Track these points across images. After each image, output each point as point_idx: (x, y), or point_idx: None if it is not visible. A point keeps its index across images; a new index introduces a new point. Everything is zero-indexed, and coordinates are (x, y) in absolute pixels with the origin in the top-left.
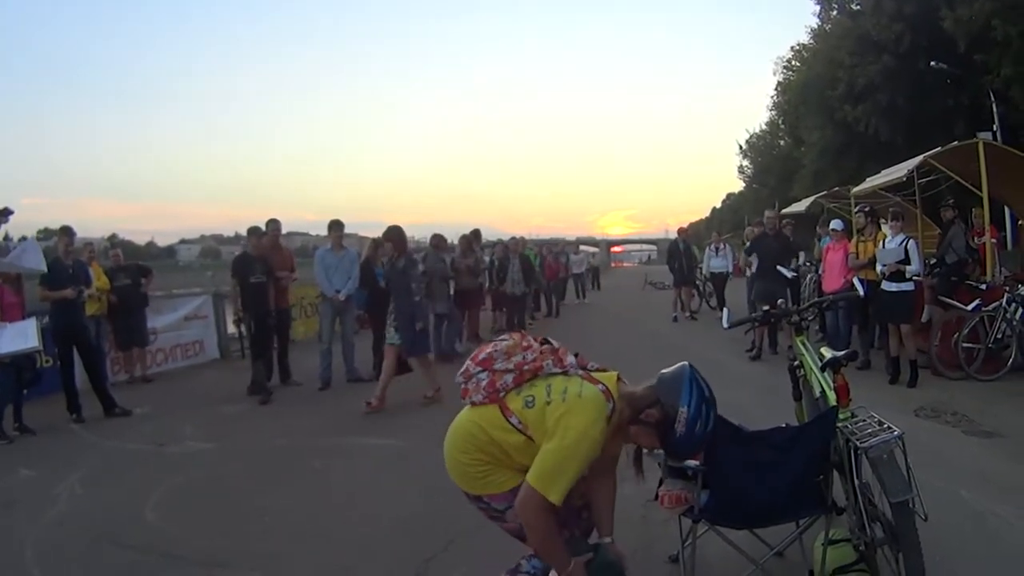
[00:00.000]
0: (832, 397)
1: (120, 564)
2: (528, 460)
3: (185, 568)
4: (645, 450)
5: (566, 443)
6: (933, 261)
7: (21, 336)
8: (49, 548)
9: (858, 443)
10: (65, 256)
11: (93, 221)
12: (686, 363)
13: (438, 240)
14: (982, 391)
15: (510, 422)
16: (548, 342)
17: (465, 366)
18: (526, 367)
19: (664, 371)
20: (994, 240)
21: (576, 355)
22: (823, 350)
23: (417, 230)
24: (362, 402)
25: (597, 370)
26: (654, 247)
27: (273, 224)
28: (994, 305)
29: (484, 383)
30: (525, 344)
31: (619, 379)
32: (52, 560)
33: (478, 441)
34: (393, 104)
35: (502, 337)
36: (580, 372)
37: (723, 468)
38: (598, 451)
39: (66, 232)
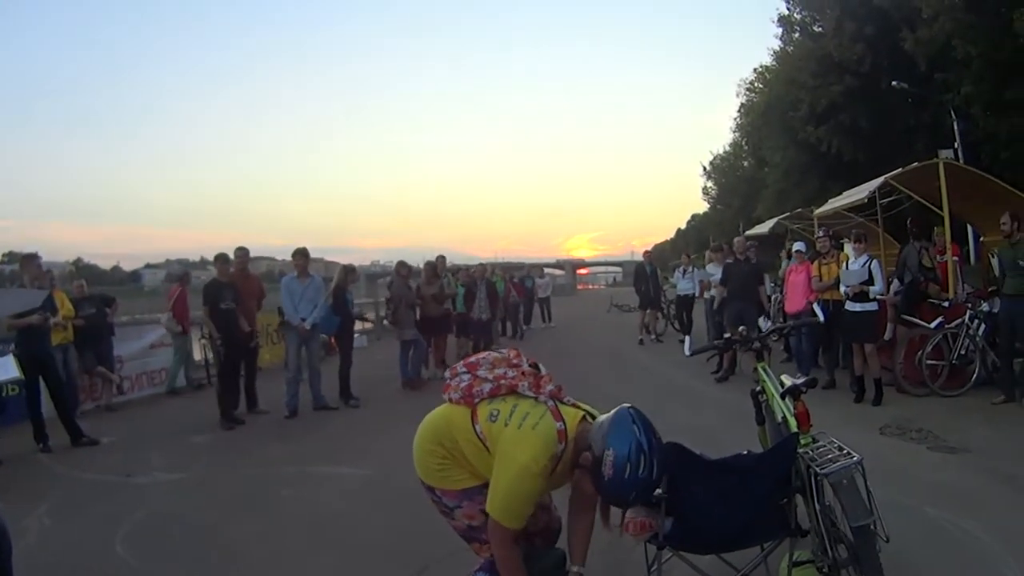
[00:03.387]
0: (793, 423)
1: None
2: (482, 468)
3: None
4: None
5: (509, 475)
6: (893, 281)
7: (2, 368)
8: None
9: (818, 469)
10: (31, 284)
11: (58, 244)
12: (625, 406)
13: (403, 268)
14: (947, 407)
15: (474, 429)
16: (536, 367)
17: (456, 365)
18: (504, 382)
19: (603, 416)
20: (956, 258)
21: (559, 387)
22: (783, 377)
23: (383, 254)
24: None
25: (572, 405)
26: (619, 269)
27: (241, 251)
28: (957, 322)
29: (464, 384)
30: (514, 362)
31: (584, 419)
32: None
33: (442, 436)
34: (358, 128)
35: (501, 349)
36: (550, 403)
37: (686, 496)
38: (545, 484)
39: (32, 259)
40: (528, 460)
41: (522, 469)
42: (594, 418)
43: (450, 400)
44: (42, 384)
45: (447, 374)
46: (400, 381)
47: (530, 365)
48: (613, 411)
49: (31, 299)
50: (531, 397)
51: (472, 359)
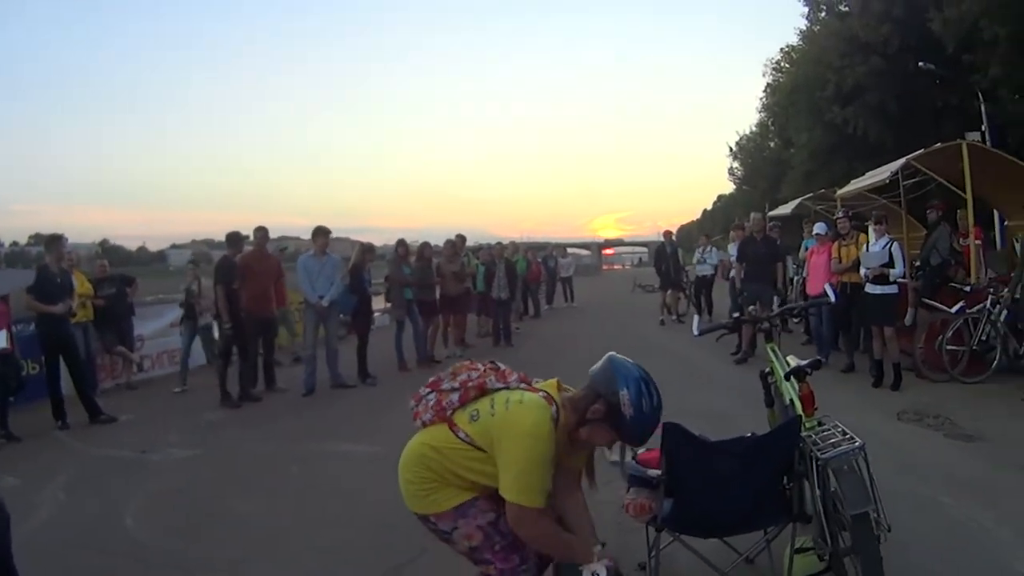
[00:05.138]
0: (798, 406)
1: (95, 569)
2: (483, 476)
3: (152, 573)
4: (612, 458)
5: (517, 450)
6: (917, 263)
7: None
8: (28, 554)
9: (819, 454)
10: (55, 265)
11: (84, 227)
12: (610, 353)
13: (401, 247)
14: (966, 394)
15: (459, 437)
16: (495, 364)
17: (418, 391)
18: (470, 384)
19: (592, 368)
20: (979, 242)
21: (523, 374)
22: (789, 358)
23: (407, 235)
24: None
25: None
26: (645, 249)
27: (260, 231)
28: (978, 307)
29: (432, 403)
30: (471, 366)
31: (560, 386)
32: (29, 565)
33: (427, 460)
34: (382, 109)
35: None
36: (522, 386)
37: (684, 479)
38: (554, 450)
39: (56, 240)
40: (530, 426)
41: (527, 436)
42: (568, 389)
43: (424, 424)
44: (62, 363)
45: (411, 403)
46: (398, 363)
47: (486, 365)
48: (602, 360)
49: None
50: (502, 387)
51: (432, 378)
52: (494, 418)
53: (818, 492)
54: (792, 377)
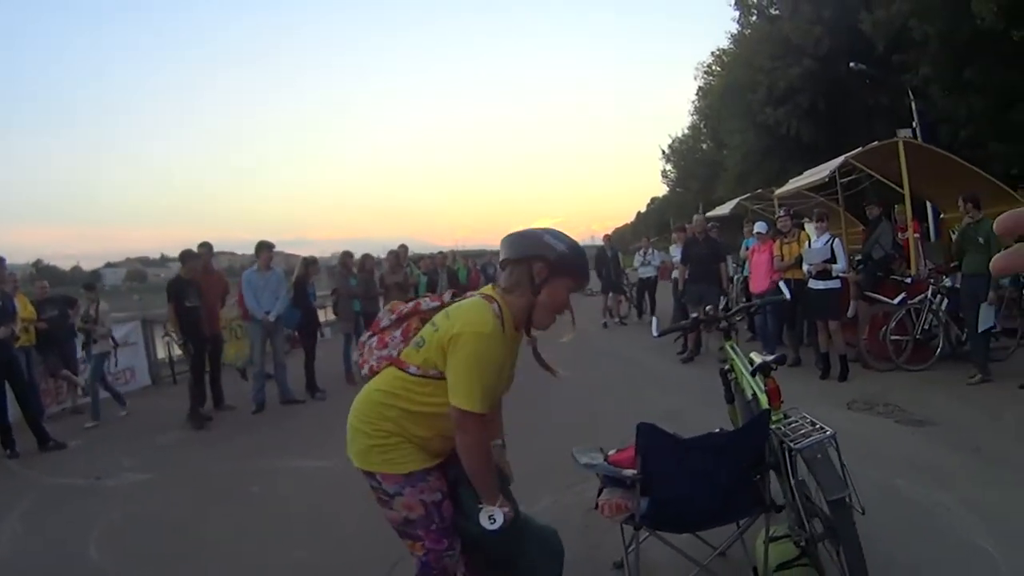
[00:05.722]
0: (764, 400)
1: None
2: (442, 407)
3: None
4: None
5: (466, 350)
6: (859, 258)
7: None
8: None
9: (792, 444)
10: None
11: (16, 246)
12: (505, 237)
13: (346, 258)
14: (912, 381)
15: (410, 373)
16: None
17: (360, 339)
18: (405, 310)
19: (502, 252)
20: (917, 235)
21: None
22: (753, 355)
23: (341, 246)
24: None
25: None
26: None
27: (204, 247)
28: (920, 298)
29: (375, 344)
30: (398, 304)
31: (494, 287)
32: None
33: (381, 408)
34: (314, 118)
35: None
36: (455, 299)
37: (660, 476)
38: (502, 351)
39: None
40: (474, 324)
41: (471, 336)
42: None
43: (372, 371)
44: (7, 390)
45: (355, 354)
46: (345, 376)
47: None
48: (504, 240)
49: None
50: (437, 306)
51: (372, 323)
52: (438, 332)
53: (792, 481)
54: (758, 373)
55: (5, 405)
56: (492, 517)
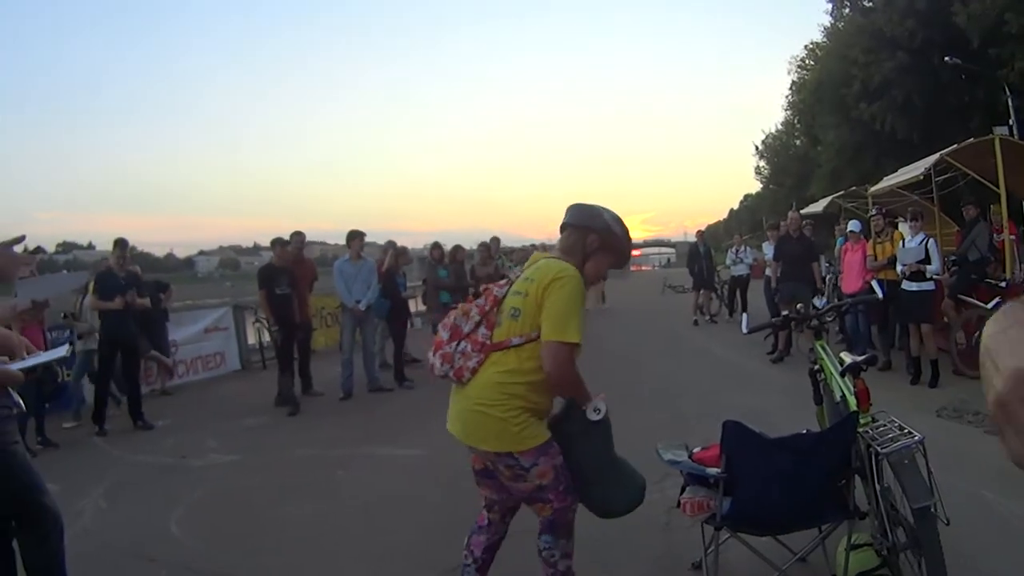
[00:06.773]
0: (852, 402)
1: None
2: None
3: None
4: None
5: (560, 293)
6: (953, 258)
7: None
8: (73, 563)
9: (879, 448)
10: (118, 268)
11: (111, 234)
12: (571, 205)
13: (436, 250)
14: None
15: (515, 345)
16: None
17: (433, 360)
18: (486, 308)
19: (566, 217)
20: (1013, 237)
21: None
22: (843, 355)
23: (434, 238)
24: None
25: None
26: (672, 250)
27: (297, 236)
28: None
29: (469, 348)
30: (468, 305)
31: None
32: (74, 575)
33: (509, 387)
34: (410, 110)
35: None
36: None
37: (744, 476)
38: (584, 292)
39: (120, 244)
40: (560, 270)
41: (570, 278)
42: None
43: (472, 373)
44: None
45: (441, 369)
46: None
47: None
48: (569, 208)
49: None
50: (507, 288)
51: (444, 335)
52: (528, 296)
53: (877, 487)
54: (847, 374)
55: (110, 381)
56: (597, 408)
